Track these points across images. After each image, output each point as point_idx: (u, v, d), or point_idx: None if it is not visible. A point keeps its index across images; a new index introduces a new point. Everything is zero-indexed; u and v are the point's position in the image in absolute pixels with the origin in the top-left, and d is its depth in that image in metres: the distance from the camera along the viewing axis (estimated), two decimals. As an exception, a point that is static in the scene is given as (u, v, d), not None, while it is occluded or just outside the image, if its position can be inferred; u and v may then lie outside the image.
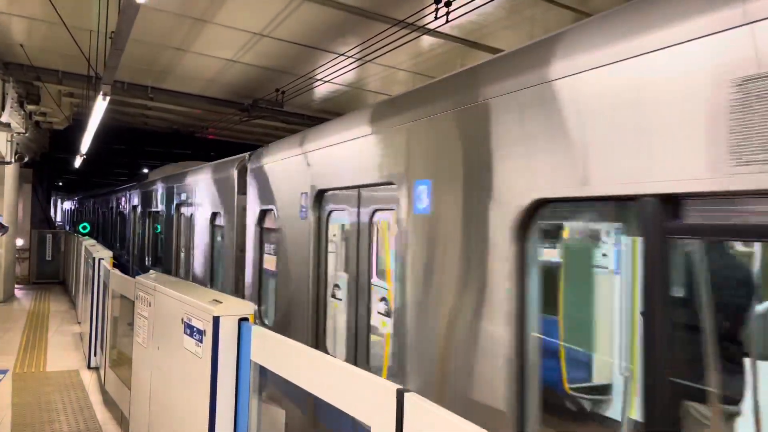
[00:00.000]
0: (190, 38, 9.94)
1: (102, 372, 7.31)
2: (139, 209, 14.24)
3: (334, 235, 5.01)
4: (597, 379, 3.33)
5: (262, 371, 3.02)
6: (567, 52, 2.50)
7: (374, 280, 4.30)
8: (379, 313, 4.23)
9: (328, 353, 3.49)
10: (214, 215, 8.05)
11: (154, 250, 12.52)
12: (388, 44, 8.89)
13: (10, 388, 7.24)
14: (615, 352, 3.21)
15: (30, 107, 13.17)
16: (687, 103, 1.96)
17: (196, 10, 8.66)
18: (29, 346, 9.63)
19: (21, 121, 12.07)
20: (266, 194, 6.12)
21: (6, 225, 5.67)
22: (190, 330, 3.51)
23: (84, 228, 21.95)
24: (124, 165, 27.37)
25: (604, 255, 3.18)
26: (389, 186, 3.86)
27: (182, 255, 9.83)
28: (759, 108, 1.75)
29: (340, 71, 11.01)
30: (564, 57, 2.50)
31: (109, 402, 6.69)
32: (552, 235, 3.04)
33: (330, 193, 4.85)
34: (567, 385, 3.34)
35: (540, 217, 2.66)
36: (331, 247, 5.00)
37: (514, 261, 2.68)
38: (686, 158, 1.95)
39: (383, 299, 4.22)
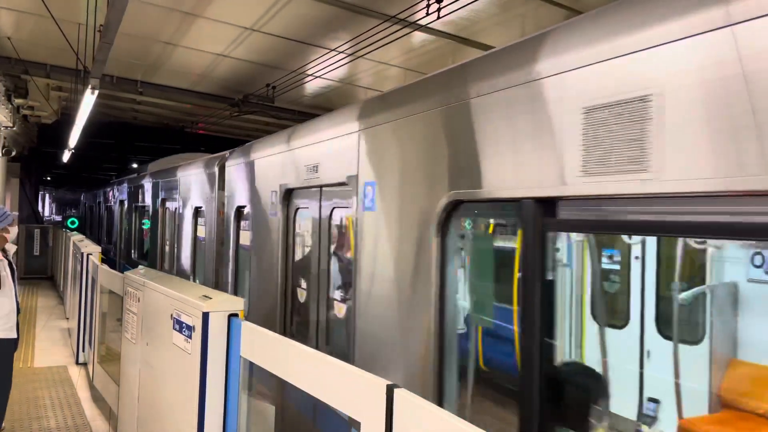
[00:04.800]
0: (180, 32, 9.86)
1: (90, 368, 7.27)
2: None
3: None
4: None
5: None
6: None
7: None
8: None
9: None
10: None
11: None
12: (379, 40, 8.87)
13: (-3, 384, 7.17)
14: None
15: (18, 101, 12.99)
16: None
17: (186, 3, 8.59)
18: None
19: (8, 114, 11.91)
20: None
21: (10, 213, 5.53)
22: (180, 326, 3.49)
23: (72, 223, 21.81)
24: (113, 159, 27.18)
25: None
26: None
27: None
28: None
29: (331, 67, 10.97)
30: None
31: (97, 398, 6.65)
32: None
33: None
34: None
35: None
36: None
37: None
38: None
39: None
